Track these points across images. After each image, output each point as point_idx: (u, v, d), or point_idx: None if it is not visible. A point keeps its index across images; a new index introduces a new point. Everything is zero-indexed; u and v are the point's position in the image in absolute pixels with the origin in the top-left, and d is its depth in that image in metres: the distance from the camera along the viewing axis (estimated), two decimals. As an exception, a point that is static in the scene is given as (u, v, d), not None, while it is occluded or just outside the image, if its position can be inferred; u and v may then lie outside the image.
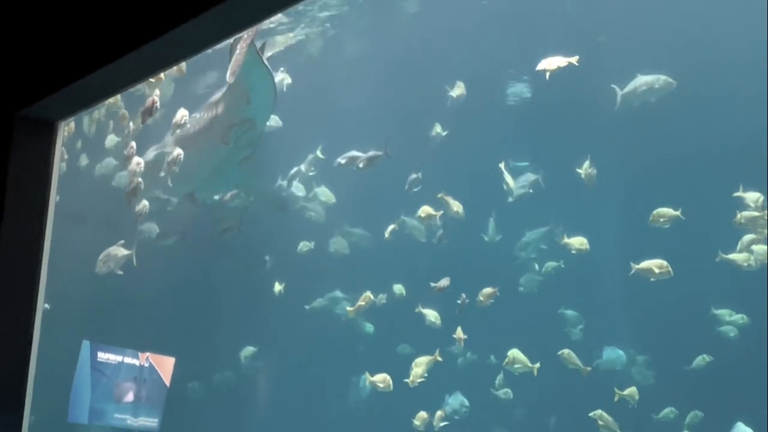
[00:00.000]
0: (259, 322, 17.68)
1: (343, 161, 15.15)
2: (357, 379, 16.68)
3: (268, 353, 17.59)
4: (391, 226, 15.91)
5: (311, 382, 18.06)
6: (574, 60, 13.17)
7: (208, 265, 17.73)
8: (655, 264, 13.45)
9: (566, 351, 14.59)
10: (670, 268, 13.39)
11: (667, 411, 14.44)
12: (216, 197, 16.46)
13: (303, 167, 16.71)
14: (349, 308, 15.77)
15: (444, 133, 15.65)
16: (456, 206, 14.84)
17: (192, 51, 2.69)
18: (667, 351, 15.45)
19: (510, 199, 15.54)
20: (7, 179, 2.98)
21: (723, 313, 14.65)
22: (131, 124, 13.93)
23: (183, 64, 12.27)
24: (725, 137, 15.19)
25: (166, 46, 2.57)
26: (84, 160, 16.34)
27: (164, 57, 2.71)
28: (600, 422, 14.05)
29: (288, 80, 15.88)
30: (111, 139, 15.67)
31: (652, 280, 13.52)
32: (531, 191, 15.50)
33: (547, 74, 13.38)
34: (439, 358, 14.38)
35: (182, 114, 12.91)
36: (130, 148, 13.05)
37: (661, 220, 13.58)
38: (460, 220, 15.03)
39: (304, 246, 16.77)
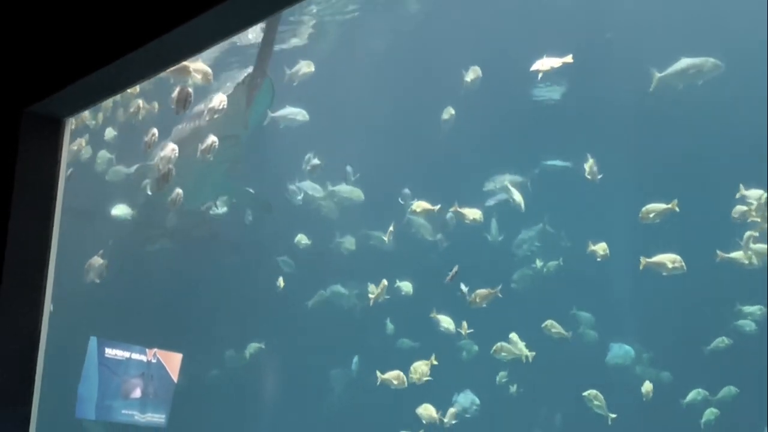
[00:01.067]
0: (260, 319, 17.70)
1: (309, 168, 15.43)
2: (366, 376, 16.61)
3: (272, 349, 17.61)
4: (390, 228, 16.03)
5: (315, 378, 18.11)
6: (568, 59, 13.15)
7: (204, 267, 17.79)
8: (668, 258, 13.39)
9: (549, 322, 14.68)
10: (683, 263, 13.34)
11: (695, 393, 14.44)
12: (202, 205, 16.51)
13: (306, 166, 16.69)
14: (370, 295, 15.72)
15: (453, 115, 15.52)
16: (473, 214, 14.80)
17: (200, 47, 2.67)
18: (676, 345, 15.44)
19: (491, 203, 15.53)
20: (14, 176, 2.96)
21: (748, 309, 14.63)
22: (141, 107, 13.85)
23: (210, 73, 12.29)
24: (737, 134, 15.14)
25: (174, 43, 2.55)
26: (87, 153, 16.30)
27: (172, 53, 2.69)
28: (596, 402, 14.10)
29: (311, 69, 15.80)
30: (109, 132, 15.66)
31: (664, 274, 13.47)
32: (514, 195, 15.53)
33: (540, 75, 13.41)
34: (435, 362, 14.34)
35: (220, 99, 12.89)
36: (152, 135, 12.97)
37: (651, 215, 13.50)
38: (476, 225, 15.05)
39: (311, 244, 16.76)
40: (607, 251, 14.17)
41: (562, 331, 14.73)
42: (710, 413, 14.28)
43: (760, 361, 14.34)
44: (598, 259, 14.25)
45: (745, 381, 14.41)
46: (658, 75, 14.08)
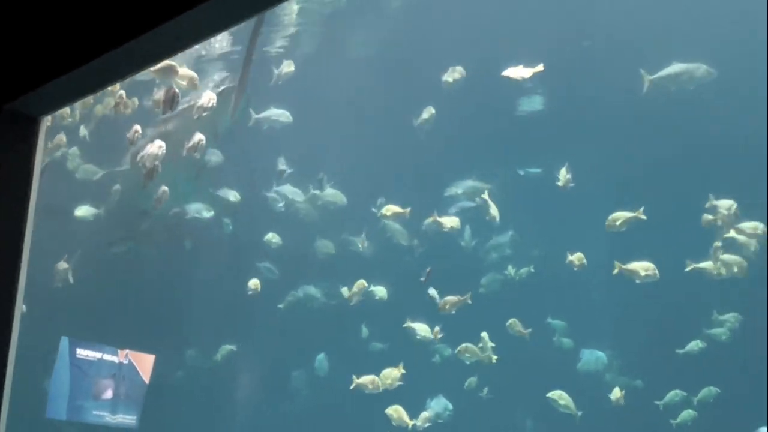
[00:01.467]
0: (234, 321, 17.61)
1: (278, 172, 15.51)
2: (340, 379, 16.55)
3: (245, 351, 17.54)
4: (363, 234, 16.02)
5: (288, 381, 18.06)
6: (539, 69, 13.24)
7: (176, 269, 17.71)
8: (641, 266, 13.51)
9: (512, 320, 14.88)
10: (656, 271, 13.46)
11: (672, 394, 14.53)
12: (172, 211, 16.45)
13: (279, 169, 16.65)
14: (345, 293, 15.64)
15: (433, 114, 15.52)
16: (450, 222, 14.90)
17: (179, 47, 2.65)
18: (650, 352, 15.53)
19: (456, 209, 15.58)
20: (-12, 174, 2.93)
21: (723, 317, 14.74)
22: (124, 99, 13.75)
23: (196, 78, 12.25)
24: (714, 142, 15.24)
25: (153, 42, 2.53)
26: (62, 151, 16.17)
27: (151, 53, 2.67)
28: (561, 401, 14.21)
29: (292, 68, 15.75)
30: (83, 130, 15.55)
31: (637, 282, 13.59)
32: (474, 203, 15.59)
33: (511, 81, 13.52)
34: (403, 370, 14.33)
35: (209, 97, 12.84)
36: (135, 132, 12.89)
37: (617, 223, 13.61)
38: (454, 233, 15.14)
39: (289, 248, 16.70)
40: (584, 261, 14.24)
41: (523, 329, 14.83)
42: (687, 415, 14.39)
43: (735, 368, 14.50)
44: (575, 269, 14.30)
45: (720, 386, 14.57)
46: (649, 77, 14.07)
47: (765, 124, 13.54)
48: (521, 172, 16.18)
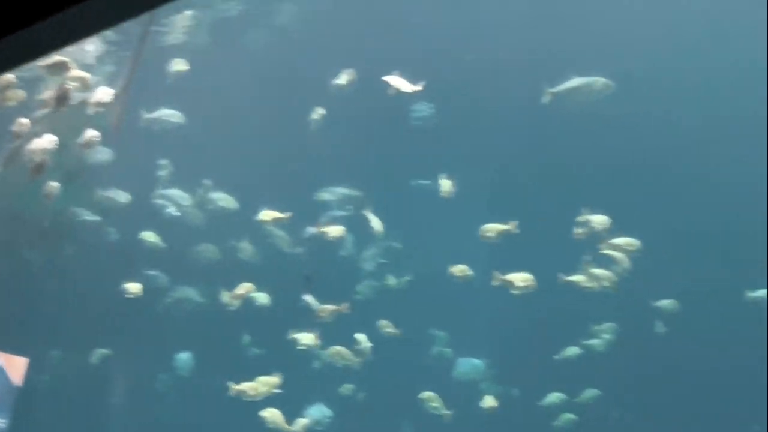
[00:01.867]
0: (110, 325, 17.26)
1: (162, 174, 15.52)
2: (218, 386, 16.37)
3: (118, 356, 17.22)
4: (246, 239, 16.05)
5: (157, 386, 17.82)
6: (418, 88, 13.50)
7: (49, 271, 17.29)
8: (519, 277, 13.86)
9: (383, 321, 15.18)
10: (534, 282, 13.82)
11: (553, 397, 14.91)
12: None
13: (163, 172, 16.42)
14: (227, 297, 15.42)
15: (323, 116, 15.57)
16: (336, 231, 14.93)
17: (79, 35, 2.62)
18: (527, 360, 15.91)
19: (325, 218, 15.72)
20: None
21: (600, 328, 15.21)
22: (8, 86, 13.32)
23: (88, 78, 11.98)
24: (599, 155, 15.74)
25: (53, 29, 2.50)
26: None
27: (53, 39, 2.63)
28: (431, 403, 14.56)
29: (185, 67, 15.54)
30: None
31: (516, 293, 13.92)
32: (346, 211, 15.80)
33: (391, 90, 13.73)
34: (279, 380, 14.32)
35: (106, 92, 12.57)
36: (22, 125, 12.51)
37: (488, 234, 14.00)
38: (340, 243, 15.23)
39: (172, 251, 16.45)
40: (468, 272, 14.49)
41: (393, 329, 15.07)
42: (566, 419, 14.82)
43: (611, 377, 15.04)
44: (459, 281, 14.54)
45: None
46: (550, 91, 14.22)
47: (652, 138, 14.12)
48: (413, 183, 16.37)
